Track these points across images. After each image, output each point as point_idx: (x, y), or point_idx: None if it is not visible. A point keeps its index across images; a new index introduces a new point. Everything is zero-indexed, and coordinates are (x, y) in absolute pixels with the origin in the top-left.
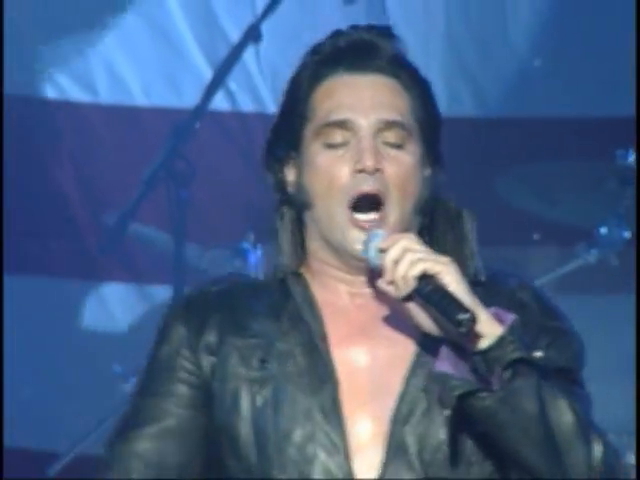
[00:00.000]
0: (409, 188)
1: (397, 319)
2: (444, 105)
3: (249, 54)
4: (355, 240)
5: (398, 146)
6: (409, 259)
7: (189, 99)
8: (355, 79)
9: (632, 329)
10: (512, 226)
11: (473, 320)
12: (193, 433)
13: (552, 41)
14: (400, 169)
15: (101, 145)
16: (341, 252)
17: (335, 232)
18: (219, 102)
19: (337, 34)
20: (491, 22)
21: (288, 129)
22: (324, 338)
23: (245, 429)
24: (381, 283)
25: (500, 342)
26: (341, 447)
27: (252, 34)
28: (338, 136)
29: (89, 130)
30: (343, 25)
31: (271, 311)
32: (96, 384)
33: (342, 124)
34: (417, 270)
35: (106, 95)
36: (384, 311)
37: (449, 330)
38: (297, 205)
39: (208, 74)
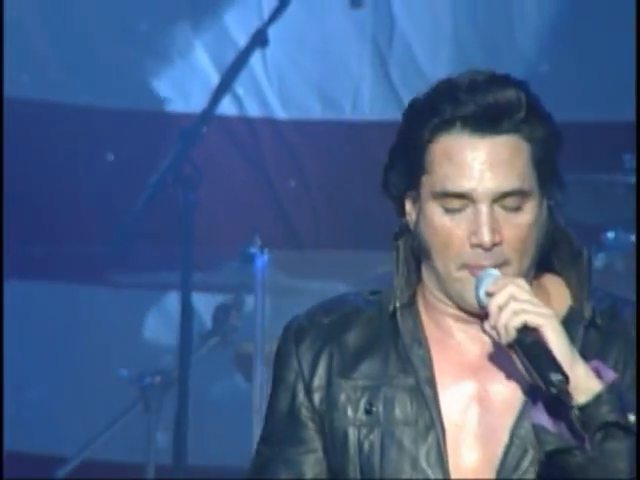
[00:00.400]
0: (528, 247)
1: (509, 356)
2: None
3: (256, 59)
4: (473, 296)
5: (516, 209)
6: (512, 308)
7: (196, 104)
8: (474, 142)
9: None
10: None
11: (565, 382)
12: (324, 475)
13: (559, 46)
14: (518, 233)
15: (108, 149)
16: (458, 302)
17: (453, 285)
18: (226, 107)
19: (455, 98)
20: (498, 26)
21: (406, 170)
22: (432, 383)
23: (353, 473)
24: (485, 325)
25: (596, 400)
26: None
27: (259, 39)
28: (456, 203)
29: (96, 134)
30: (350, 29)
31: (380, 350)
32: (102, 389)
33: (460, 195)
34: (518, 321)
35: (114, 100)
36: (496, 347)
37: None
38: (415, 240)
39: (215, 79)
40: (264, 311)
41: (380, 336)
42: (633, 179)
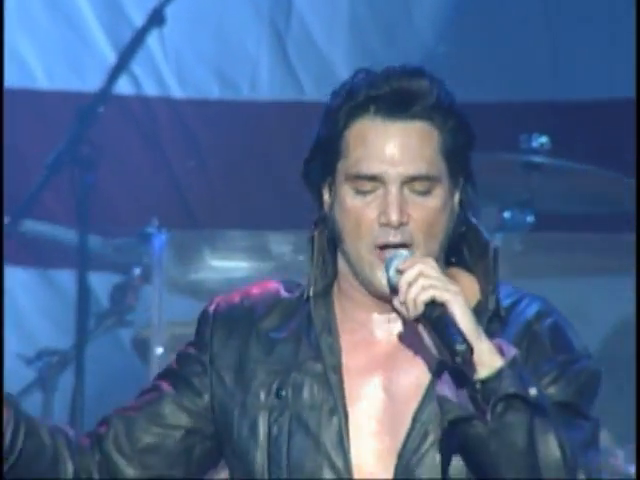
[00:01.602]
0: (436, 230)
1: (417, 345)
2: None
3: (153, 38)
4: (382, 278)
5: (425, 193)
6: (421, 284)
7: (92, 83)
8: (387, 126)
9: None
10: None
11: (469, 352)
12: (182, 421)
13: (456, 27)
14: (426, 215)
15: (3, 129)
16: (368, 287)
17: (363, 269)
18: (123, 86)
19: (371, 82)
20: (395, 7)
21: (323, 159)
22: (337, 370)
23: (260, 456)
24: (395, 301)
25: (498, 374)
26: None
27: (156, 18)
28: (367, 185)
29: None
30: (247, 10)
31: (293, 336)
32: None
33: (371, 177)
34: (426, 296)
35: (8, 78)
36: (405, 337)
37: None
38: (329, 227)
39: (112, 57)
40: (161, 291)
41: (295, 323)
42: (529, 160)
